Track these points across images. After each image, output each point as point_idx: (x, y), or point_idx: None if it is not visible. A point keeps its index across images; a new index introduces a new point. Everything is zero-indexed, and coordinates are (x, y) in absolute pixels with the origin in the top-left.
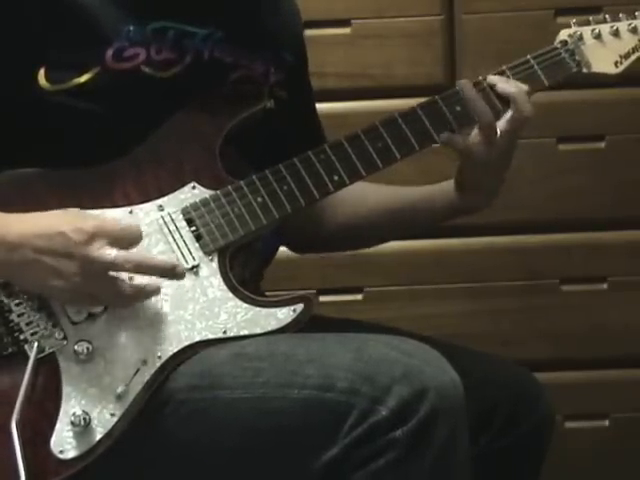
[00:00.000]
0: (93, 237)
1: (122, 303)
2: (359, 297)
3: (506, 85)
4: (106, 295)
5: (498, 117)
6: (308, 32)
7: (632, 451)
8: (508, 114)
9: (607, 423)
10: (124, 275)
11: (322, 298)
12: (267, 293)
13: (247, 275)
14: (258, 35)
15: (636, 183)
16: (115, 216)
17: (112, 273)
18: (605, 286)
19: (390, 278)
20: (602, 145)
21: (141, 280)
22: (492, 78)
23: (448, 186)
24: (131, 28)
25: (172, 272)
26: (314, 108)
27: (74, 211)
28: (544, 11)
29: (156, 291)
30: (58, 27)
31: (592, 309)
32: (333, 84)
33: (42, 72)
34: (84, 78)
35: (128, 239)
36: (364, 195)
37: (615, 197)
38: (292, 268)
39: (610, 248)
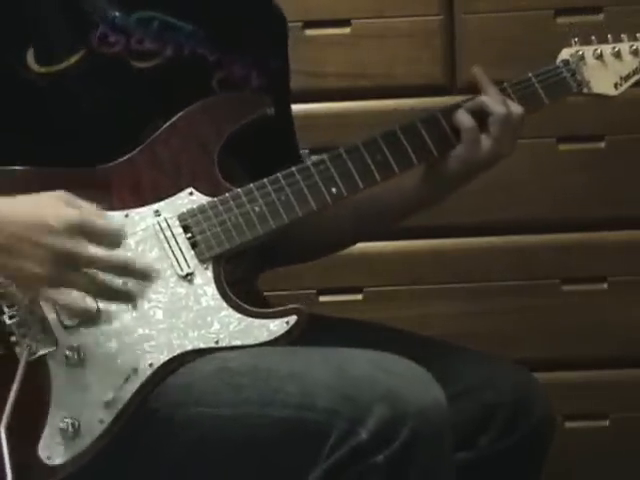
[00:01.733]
0: (73, 228)
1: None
2: (359, 297)
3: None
4: (79, 287)
5: None
6: (308, 32)
7: (632, 451)
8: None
9: (607, 423)
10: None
11: (322, 298)
12: (267, 293)
13: (239, 274)
14: (239, 38)
15: (636, 183)
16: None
17: (84, 268)
18: (605, 286)
19: (390, 278)
20: (602, 145)
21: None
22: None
23: (414, 176)
24: (117, 14)
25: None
26: (291, 116)
27: (59, 196)
28: (544, 11)
29: (132, 297)
30: (46, 8)
31: (592, 309)
32: (333, 84)
33: (31, 53)
34: (72, 60)
35: (109, 238)
36: None
37: (615, 197)
38: (292, 268)
39: (610, 248)
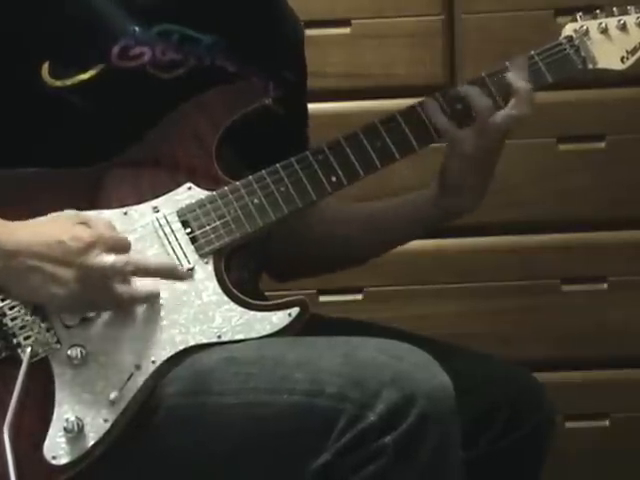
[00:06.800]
0: (91, 245)
1: (120, 308)
2: (359, 297)
3: (516, 78)
4: (104, 301)
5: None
6: (308, 32)
7: (632, 451)
8: (506, 109)
9: (607, 423)
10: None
11: (322, 298)
12: (267, 293)
13: (246, 275)
14: (256, 50)
15: (636, 183)
16: (110, 218)
17: (110, 280)
18: (605, 286)
19: (390, 278)
20: (602, 145)
21: (139, 283)
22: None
23: (430, 190)
24: (137, 28)
25: (172, 273)
26: (306, 123)
27: (70, 216)
28: (544, 11)
29: (155, 294)
30: (64, 22)
31: (592, 309)
32: (333, 84)
33: (46, 67)
34: (87, 75)
35: (123, 247)
36: (342, 211)
37: (615, 197)
38: None
39: (610, 248)
